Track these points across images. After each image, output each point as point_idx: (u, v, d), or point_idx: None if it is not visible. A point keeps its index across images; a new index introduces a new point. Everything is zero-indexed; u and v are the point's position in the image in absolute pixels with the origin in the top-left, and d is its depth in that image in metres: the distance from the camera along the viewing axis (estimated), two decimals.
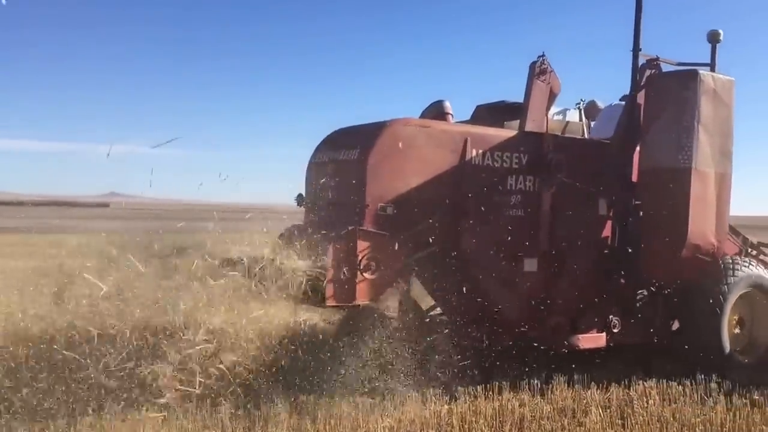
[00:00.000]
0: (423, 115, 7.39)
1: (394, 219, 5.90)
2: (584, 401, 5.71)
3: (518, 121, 7.03)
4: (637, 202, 7.00)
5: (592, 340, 6.72)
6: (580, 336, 6.66)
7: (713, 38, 7.25)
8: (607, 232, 7.08)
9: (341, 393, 5.45)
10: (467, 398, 5.66)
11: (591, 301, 6.81)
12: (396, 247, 5.81)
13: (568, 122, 7.86)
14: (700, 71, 6.84)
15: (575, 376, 6.17)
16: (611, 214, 7.06)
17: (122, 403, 4.98)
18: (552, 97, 7.22)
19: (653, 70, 7.17)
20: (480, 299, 6.34)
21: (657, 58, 7.17)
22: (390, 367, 5.70)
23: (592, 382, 6.11)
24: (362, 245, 5.64)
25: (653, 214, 6.83)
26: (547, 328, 6.58)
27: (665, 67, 7.24)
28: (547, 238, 6.63)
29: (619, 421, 5.27)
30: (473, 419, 5.13)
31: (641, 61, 7.17)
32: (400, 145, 6.01)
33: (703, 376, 6.22)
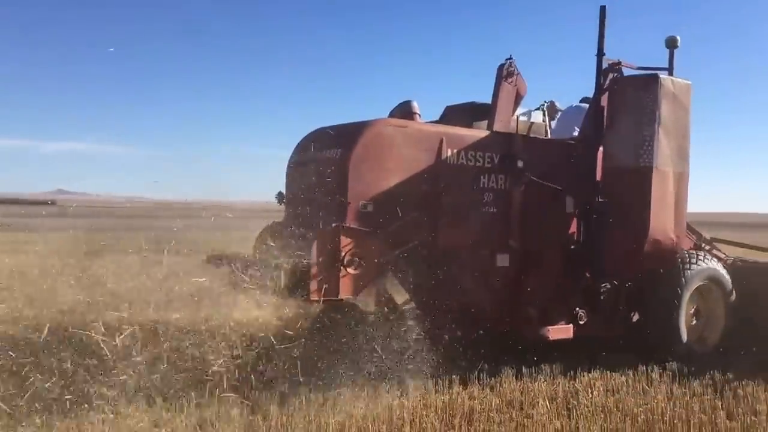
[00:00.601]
0: (391, 115, 7.57)
1: (375, 216, 6.10)
2: (532, 393, 5.87)
3: (486, 121, 7.31)
4: (601, 200, 7.32)
5: (561, 331, 6.99)
6: (550, 328, 6.91)
7: (671, 44, 7.58)
8: (573, 228, 7.37)
9: (294, 389, 5.53)
10: (418, 392, 5.76)
11: (559, 294, 7.10)
12: (377, 243, 6.01)
13: (532, 123, 8.15)
14: (661, 75, 7.20)
15: (523, 370, 6.36)
16: (577, 211, 7.36)
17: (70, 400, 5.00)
18: (518, 98, 7.53)
19: (615, 74, 7.50)
20: (455, 293, 6.57)
21: (619, 62, 7.50)
22: (344, 362, 5.81)
23: (540, 375, 6.32)
24: (345, 241, 5.82)
25: (617, 211, 7.14)
26: (519, 321, 6.84)
27: (626, 71, 7.58)
28: (517, 234, 6.90)
29: (565, 412, 5.41)
30: (424, 413, 5.22)
31: (605, 64, 7.49)
32: (380, 144, 6.21)
33: (645, 367, 6.49)
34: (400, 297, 7.36)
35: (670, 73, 7.52)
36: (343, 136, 6.32)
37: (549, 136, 8.35)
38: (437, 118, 8.05)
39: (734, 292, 7.80)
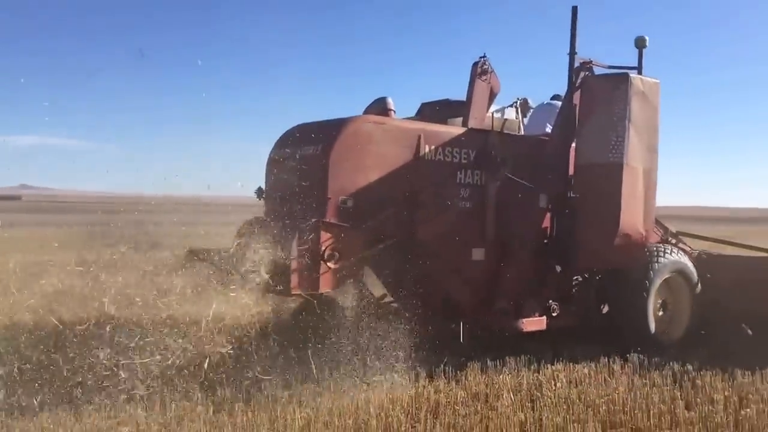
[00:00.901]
0: (366, 112, 7.67)
1: (355, 211, 6.20)
2: (496, 386, 5.91)
3: (461, 118, 7.46)
4: (573, 195, 7.50)
5: (535, 323, 7.15)
6: (524, 320, 7.07)
7: (640, 44, 7.77)
8: (546, 223, 7.54)
9: (259, 385, 5.55)
10: (384, 386, 5.77)
11: (533, 287, 7.28)
12: (357, 239, 6.12)
13: (506, 119, 8.30)
14: (631, 74, 7.39)
15: (488, 363, 6.43)
16: (550, 206, 7.54)
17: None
18: (492, 95, 7.70)
19: (587, 72, 7.69)
20: (432, 287, 6.70)
21: (590, 61, 7.69)
22: (313, 357, 5.86)
23: (505, 368, 6.39)
24: (325, 236, 5.92)
25: (588, 206, 7.34)
26: (495, 313, 7.01)
27: (597, 70, 7.77)
28: (493, 229, 7.05)
29: (529, 404, 5.48)
30: (390, 407, 5.23)
31: (576, 63, 7.67)
32: (360, 140, 6.32)
33: (607, 359, 6.62)
34: (378, 291, 7.50)
35: (639, 72, 7.70)
36: (323, 133, 6.40)
37: (522, 132, 8.52)
38: (411, 114, 8.17)
39: (699, 284, 8.04)
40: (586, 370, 6.42)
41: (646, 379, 6.22)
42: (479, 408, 5.32)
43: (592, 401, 5.50)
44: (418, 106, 8.28)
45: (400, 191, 6.49)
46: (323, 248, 5.88)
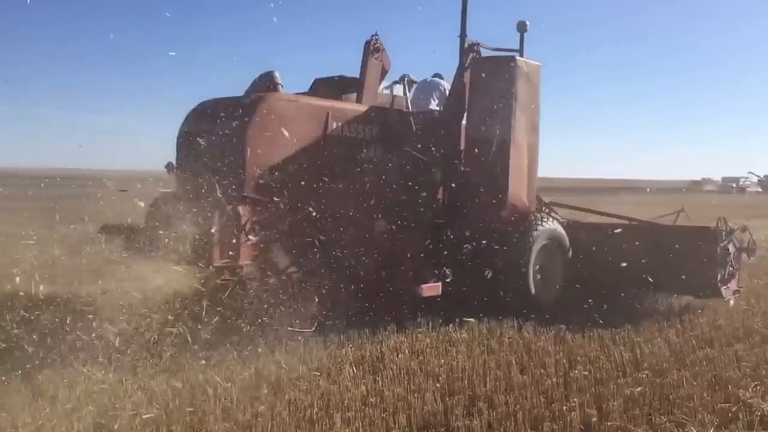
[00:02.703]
0: (254, 86, 7.76)
1: (271, 185, 6.38)
2: (339, 360, 5.84)
3: (355, 94, 7.77)
4: (464, 169, 8.02)
5: (432, 288, 7.54)
6: (423, 286, 7.45)
7: (521, 28, 8.39)
8: (440, 194, 8.04)
9: (90, 370, 5.19)
10: (223, 365, 5.55)
11: (429, 255, 7.74)
12: (273, 212, 6.31)
13: (395, 96, 8.70)
14: (517, 57, 7.99)
15: (332, 336, 6.40)
16: (444, 179, 8.02)
17: None
18: (383, 73, 8.07)
19: (474, 54, 8.21)
20: (340, 256, 6.99)
21: (478, 44, 8.21)
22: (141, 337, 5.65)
23: (348, 342, 6.36)
24: (245, 210, 6.09)
25: (478, 179, 7.88)
26: (396, 280, 7.41)
27: (484, 52, 8.32)
28: (393, 200, 7.45)
29: (371, 376, 5.45)
30: (228, 385, 5.01)
31: (465, 45, 8.16)
32: (275, 117, 6.48)
33: (447, 328, 6.90)
34: (283, 262, 7.68)
35: (521, 55, 8.32)
36: (239, 109, 6.51)
37: (410, 108, 8.93)
38: (299, 89, 8.32)
39: (570, 249, 8.79)
40: (428, 340, 6.50)
41: (484, 347, 6.34)
42: (321, 382, 5.24)
43: (432, 370, 5.56)
44: (302, 79, 8.48)
45: (310, 166, 6.71)
46: (243, 221, 6.03)
